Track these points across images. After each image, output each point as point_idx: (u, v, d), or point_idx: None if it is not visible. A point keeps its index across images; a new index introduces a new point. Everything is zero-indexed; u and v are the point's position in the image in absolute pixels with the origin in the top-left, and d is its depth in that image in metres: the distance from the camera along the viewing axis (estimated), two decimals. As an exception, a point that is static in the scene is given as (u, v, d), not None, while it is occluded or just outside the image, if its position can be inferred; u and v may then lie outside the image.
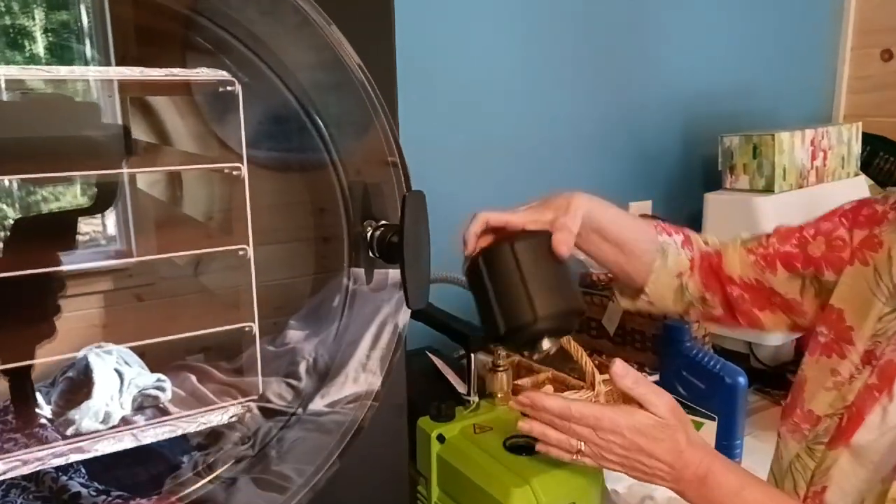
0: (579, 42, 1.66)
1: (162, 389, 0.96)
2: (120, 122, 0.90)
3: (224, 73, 0.72)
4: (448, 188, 1.45)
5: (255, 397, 0.78)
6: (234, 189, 0.72)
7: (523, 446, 0.81)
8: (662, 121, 1.84)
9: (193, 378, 0.99)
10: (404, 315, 0.79)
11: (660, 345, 1.21)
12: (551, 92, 1.63)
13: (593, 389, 1.16)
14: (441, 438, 0.85)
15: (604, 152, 1.75)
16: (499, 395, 0.86)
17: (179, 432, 0.75)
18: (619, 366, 0.76)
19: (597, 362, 1.31)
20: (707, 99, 1.89)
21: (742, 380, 1.14)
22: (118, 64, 0.91)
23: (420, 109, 1.41)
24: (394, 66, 0.77)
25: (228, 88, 0.71)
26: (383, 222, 0.75)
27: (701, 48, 1.87)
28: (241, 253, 0.72)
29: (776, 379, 1.55)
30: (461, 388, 0.87)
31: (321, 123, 0.81)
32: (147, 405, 0.95)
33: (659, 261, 0.91)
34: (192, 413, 0.76)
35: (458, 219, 0.78)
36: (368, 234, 0.73)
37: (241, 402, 0.77)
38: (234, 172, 0.70)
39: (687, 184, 1.83)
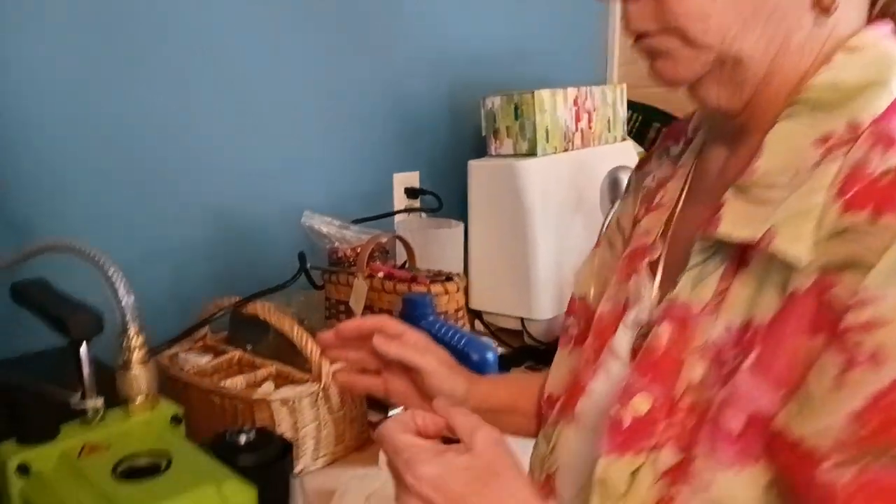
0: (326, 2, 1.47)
1: None
2: None
3: None
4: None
5: None
6: None
7: (145, 469, 0.58)
8: (428, 88, 1.69)
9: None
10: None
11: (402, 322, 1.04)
12: (293, 57, 1.43)
13: (320, 381, 0.97)
14: (24, 469, 0.61)
15: (364, 121, 1.57)
16: (137, 401, 0.63)
17: None
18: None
19: (336, 350, 1.12)
20: (475, 63, 1.77)
21: (491, 355, 1.00)
22: None
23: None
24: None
25: None
26: None
27: (466, 9, 1.74)
28: None
29: (550, 355, 1.44)
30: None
31: None
32: None
33: None
34: None
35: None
36: None
37: None
38: None
39: (456, 152, 1.69)
